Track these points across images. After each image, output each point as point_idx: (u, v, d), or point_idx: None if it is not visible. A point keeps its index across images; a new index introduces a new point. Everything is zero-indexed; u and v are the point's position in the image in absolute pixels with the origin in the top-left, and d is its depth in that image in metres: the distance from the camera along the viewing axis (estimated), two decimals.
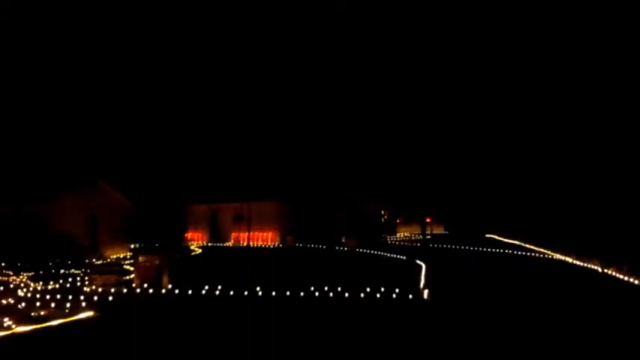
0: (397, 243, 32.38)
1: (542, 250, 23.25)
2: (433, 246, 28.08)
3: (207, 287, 12.56)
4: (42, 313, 10.14)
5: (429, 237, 35.90)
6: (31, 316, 9.81)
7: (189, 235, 32.53)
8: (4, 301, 11.28)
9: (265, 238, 32.19)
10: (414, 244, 30.39)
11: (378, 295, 11.51)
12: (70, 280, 15.05)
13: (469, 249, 25.37)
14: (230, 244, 32.82)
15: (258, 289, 12.25)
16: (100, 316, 10.01)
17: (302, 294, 11.82)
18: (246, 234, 30.91)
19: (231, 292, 12.13)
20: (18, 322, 9.04)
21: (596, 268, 16.04)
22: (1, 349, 7.81)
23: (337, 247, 27.41)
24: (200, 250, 27.48)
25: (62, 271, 17.36)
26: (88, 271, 16.75)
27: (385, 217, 39.34)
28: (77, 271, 17.06)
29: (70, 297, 11.68)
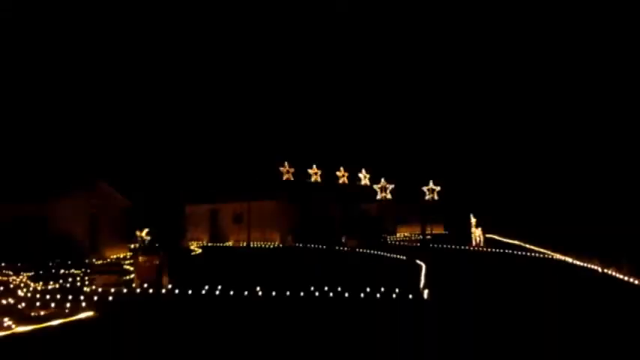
0: (397, 243, 32.36)
1: (542, 250, 23.24)
2: (433, 246, 28.07)
3: (207, 287, 12.56)
4: (42, 313, 10.14)
5: (429, 237, 35.87)
6: (31, 316, 9.81)
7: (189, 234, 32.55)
8: (4, 301, 11.27)
9: (265, 238, 32.17)
10: (414, 244, 30.38)
11: (378, 295, 11.51)
12: (70, 280, 15.04)
13: (469, 249, 25.37)
14: (230, 244, 32.79)
15: (258, 289, 12.25)
16: (100, 316, 10.01)
17: (302, 294, 11.82)
18: (246, 234, 30.89)
19: (231, 292, 12.13)
20: (18, 322, 9.04)
21: (596, 268, 16.04)
22: (1, 349, 7.81)
23: (337, 247, 27.39)
24: (200, 250, 27.45)
25: (62, 271, 17.35)
26: (88, 271, 16.74)
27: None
28: (77, 271, 17.05)
29: (70, 297, 11.66)
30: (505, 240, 31.81)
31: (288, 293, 11.87)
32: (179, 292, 12.52)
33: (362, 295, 11.57)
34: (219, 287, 12.51)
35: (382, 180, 40.93)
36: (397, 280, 13.78)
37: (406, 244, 31.21)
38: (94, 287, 13.47)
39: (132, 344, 8.03)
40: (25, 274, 16.25)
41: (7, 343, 8.05)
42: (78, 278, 15.30)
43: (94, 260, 21.26)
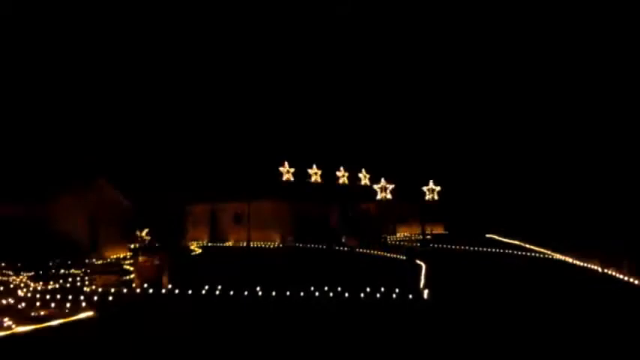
0: (397, 243, 32.37)
1: (542, 250, 23.24)
2: (433, 246, 28.09)
3: (207, 287, 12.56)
4: (42, 313, 10.14)
5: (429, 237, 35.88)
6: (31, 316, 9.82)
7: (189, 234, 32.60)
8: (4, 301, 11.28)
9: (265, 238, 32.17)
10: (414, 244, 30.38)
11: (378, 295, 11.51)
12: (70, 280, 15.04)
13: (469, 249, 25.38)
14: (230, 244, 32.80)
15: (258, 289, 12.25)
16: (100, 316, 10.01)
17: (302, 294, 11.82)
18: (246, 234, 30.90)
19: (231, 292, 12.13)
20: (18, 322, 9.04)
21: (596, 268, 16.04)
22: (1, 349, 7.82)
23: (337, 247, 27.40)
24: (200, 250, 27.46)
25: (62, 271, 17.35)
26: (88, 271, 16.74)
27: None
28: (77, 271, 17.05)
29: (70, 297, 11.67)
30: (505, 240, 31.83)
31: (288, 293, 11.87)
32: (179, 292, 12.52)
33: (362, 295, 11.58)
34: (219, 287, 12.51)
35: (382, 180, 40.93)
36: (397, 280, 13.78)
37: (406, 244, 31.21)
38: (94, 287, 13.48)
39: (132, 344, 8.03)
40: (25, 274, 16.26)
41: (7, 343, 8.05)
42: (78, 278, 15.31)
43: (94, 260, 21.25)
